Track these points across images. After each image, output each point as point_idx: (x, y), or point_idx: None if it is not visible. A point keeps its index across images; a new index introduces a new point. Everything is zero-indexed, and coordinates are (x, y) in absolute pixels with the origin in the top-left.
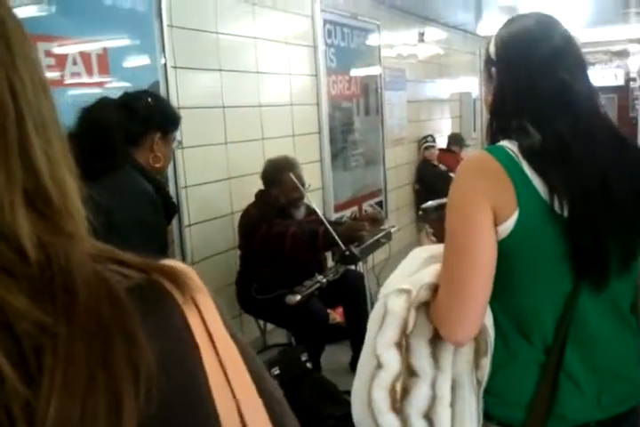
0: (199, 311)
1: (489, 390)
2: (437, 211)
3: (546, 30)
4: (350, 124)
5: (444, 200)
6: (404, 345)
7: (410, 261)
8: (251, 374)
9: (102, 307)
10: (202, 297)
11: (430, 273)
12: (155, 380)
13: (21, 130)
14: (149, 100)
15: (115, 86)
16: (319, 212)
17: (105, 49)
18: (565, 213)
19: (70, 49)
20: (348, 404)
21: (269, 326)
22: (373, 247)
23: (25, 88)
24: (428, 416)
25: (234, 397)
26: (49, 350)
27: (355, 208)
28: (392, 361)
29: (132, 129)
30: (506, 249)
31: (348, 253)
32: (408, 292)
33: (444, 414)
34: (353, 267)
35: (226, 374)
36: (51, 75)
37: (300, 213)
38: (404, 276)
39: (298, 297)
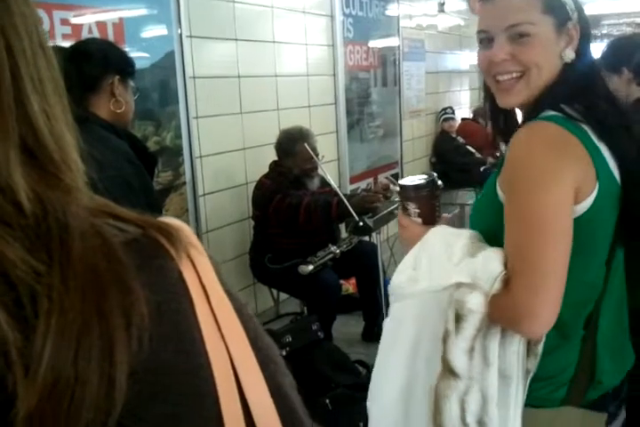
0: (194, 266)
1: (536, 376)
2: (419, 189)
3: None
4: (367, 96)
5: (422, 177)
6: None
7: (438, 250)
8: (245, 330)
9: (97, 258)
10: (196, 253)
11: (494, 262)
12: (147, 329)
13: (18, 85)
14: (102, 43)
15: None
16: (333, 183)
17: (121, 18)
18: (620, 184)
19: (86, 18)
20: (357, 373)
21: (282, 296)
22: (387, 219)
23: (22, 44)
24: (482, 421)
25: (227, 351)
26: (44, 296)
27: (370, 180)
28: (467, 370)
29: (88, 72)
30: (577, 226)
31: (361, 223)
32: (474, 286)
33: (494, 416)
34: (366, 238)
35: (220, 329)
36: (66, 44)
37: (314, 185)
38: (448, 266)
39: (311, 267)
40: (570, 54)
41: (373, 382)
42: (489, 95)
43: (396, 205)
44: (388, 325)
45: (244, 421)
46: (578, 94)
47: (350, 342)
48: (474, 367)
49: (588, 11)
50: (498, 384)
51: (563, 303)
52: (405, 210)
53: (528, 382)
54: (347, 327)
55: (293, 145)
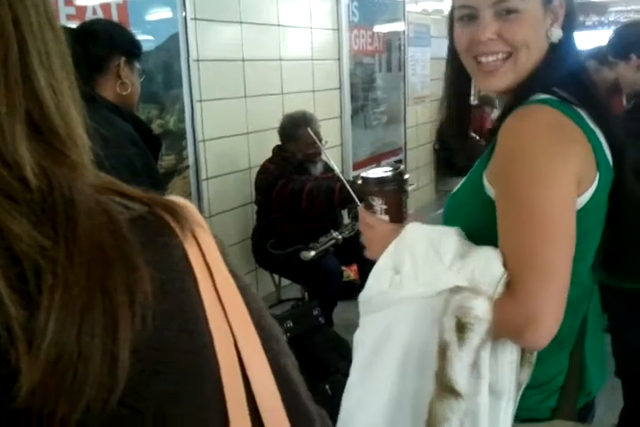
0: (198, 245)
1: (527, 384)
2: (387, 183)
3: None
4: (372, 81)
5: (387, 169)
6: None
7: (416, 249)
8: (249, 310)
9: (103, 235)
10: (202, 232)
11: (494, 262)
12: (151, 306)
13: (24, 59)
14: (109, 24)
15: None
16: (336, 168)
17: (125, 0)
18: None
19: (91, 0)
20: None
21: (284, 281)
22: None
23: (29, 17)
24: None
25: (231, 331)
26: (48, 271)
27: (373, 166)
28: (468, 387)
29: (94, 53)
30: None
31: None
32: (477, 291)
33: None
34: None
35: (223, 308)
36: (70, 25)
37: (318, 170)
38: (440, 268)
39: (312, 253)
40: (557, 33)
41: (345, 409)
42: (455, 88)
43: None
44: (362, 338)
45: (247, 400)
46: (569, 77)
47: (351, 329)
48: (470, 382)
49: None
50: (489, 400)
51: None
52: (370, 206)
53: (520, 394)
54: (347, 313)
55: (296, 130)
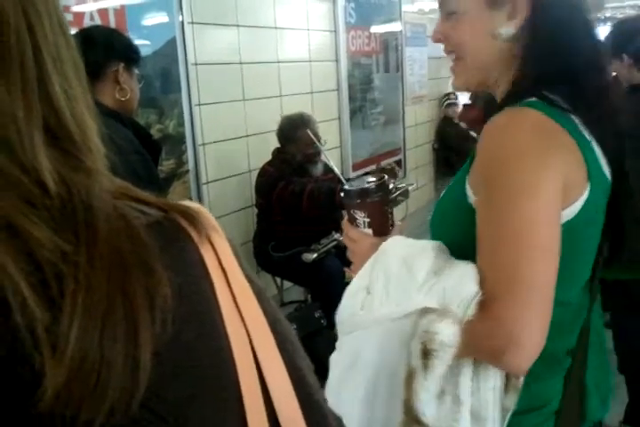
0: (214, 249)
1: (519, 409)
2: (369, 194)
3: None
4: (370, 82)
5: (370, 179)
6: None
7: (390, 266)
8: (265, 313)
9: (122, 240)
10: (217, 236)
11: (467, 281)
12: (170, 310)
13: (39, 65)
14: (106, 30)
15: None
16: (336, 169)
17: (123, 5)
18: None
19: (88, 6)
20: None
21: (286, 284)
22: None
23: (42, 23)
24: None
25: (247, 333)
26: (70, 276)
27: (373, 167)
28: (438, 418)
29: (92, 59)
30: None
31: None
32: (444, 313)
33: None
34: None
35: (239, 311)
36: None
37: (318, 171)
38: (410, 287)
39: (314, 255)
40: (507, 31)
41: None
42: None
43: (400, 192)
44: (336, 360)
45: (264, 403)
46: (563, 76)
47: None
48: (442, 411)
49: None
50: None
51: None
52: (353, 220)
53: (506, 422)
54: None
55: (295, 131)
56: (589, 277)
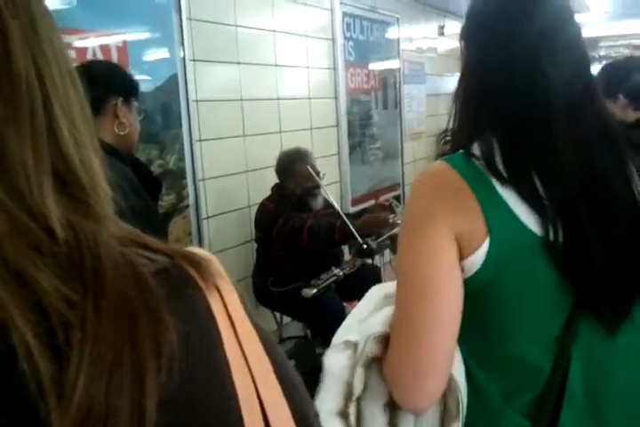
0: (221, 297)
1: None
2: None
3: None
4: (368, 118)
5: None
6: (352, 413)
7: (365, 303)
8: (270, 360)
9: (129, 288)
10: (224, 283)
11: (380, 320)
12: (177, 358)
13: (48, 112)
14: (103, 65)
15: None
16: (335, 204)
17: (125, 42)
18: (552, 235)
19: (91, 42)
20: None
21: (286, 319)
22: (391, 241)
23: (51, 71)
24: None
25: (253, 381)
26: (77, 326)
27: (372, 202)
28: None
29: (92, 95)
30: (477, 286)
31: (365, 246)
32: (354, 345)
33: None
34: (370, 260)
35: (246, 359)
36: None
37: (318, 204)
38: (355, 323)
39: (314, 290)
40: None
41: None
42: None
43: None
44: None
45: None
46: (501, 118)
47: None
48: None
49: (587, 33)
50: None
51: (478, 371)
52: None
53: None
54: None
55: (293, 165)
56: (558, 335)
